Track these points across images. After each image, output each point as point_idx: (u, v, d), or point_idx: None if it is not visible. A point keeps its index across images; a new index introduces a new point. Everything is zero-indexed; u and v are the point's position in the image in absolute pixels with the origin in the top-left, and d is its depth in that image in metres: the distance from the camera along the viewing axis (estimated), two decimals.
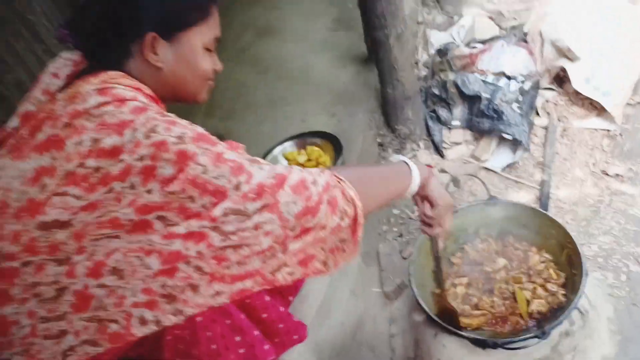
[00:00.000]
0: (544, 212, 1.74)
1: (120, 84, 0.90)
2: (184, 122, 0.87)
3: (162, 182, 0.81)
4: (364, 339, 1.85)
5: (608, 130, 2.33)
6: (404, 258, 2.01)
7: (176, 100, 1.06)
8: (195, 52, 1.01)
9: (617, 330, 1.66)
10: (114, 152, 0.81)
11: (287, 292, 1.46)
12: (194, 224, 0.84)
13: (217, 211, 0.83)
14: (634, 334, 1.64)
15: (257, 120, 2.76)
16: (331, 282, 1.77)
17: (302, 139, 2.37)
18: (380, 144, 2.50)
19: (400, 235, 2.14)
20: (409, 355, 1.72)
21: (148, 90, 0.96)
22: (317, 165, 2.26)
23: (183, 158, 0.81)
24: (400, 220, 2.20)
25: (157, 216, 0.83)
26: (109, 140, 0.82)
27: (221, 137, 2.63)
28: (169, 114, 0.89)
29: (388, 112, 2.47)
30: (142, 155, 0.81)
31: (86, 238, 0.83)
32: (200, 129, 0.88)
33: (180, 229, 0.84)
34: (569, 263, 1.60)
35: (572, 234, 1.60)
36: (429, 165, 1.23)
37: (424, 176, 1.15)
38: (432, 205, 1.21)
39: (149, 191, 0.82)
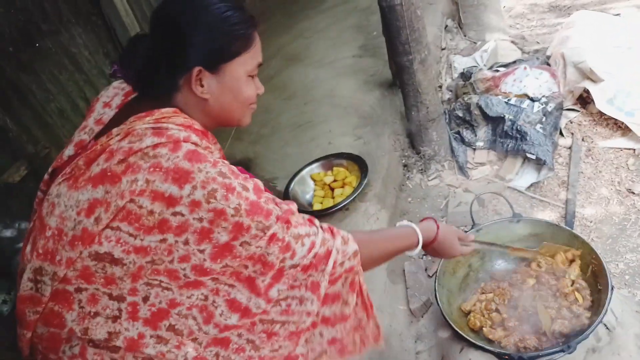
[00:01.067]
0: (568, 228, 1.76)
1: (173, 122, 0.94)
2: (236, 183, 0.91)
3: (215, 247, 0.89)
4: (391, 356, 1.87)
5: (633, 150, 2.34)
6: (430, 276, 2.05)
7: (221, 125, 1.10)
8: (239, 80, 1.03)
9: None
10: (170, 201, 0.86)
11: None
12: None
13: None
14: None
15: (284, 144, 2.86)
16: None
17: (329, 160, 2.46)
18: (405, 165, 2.56)
19: (426, 254, 2.17)
20: None
21: (198, 126, 0.99)
22: (343, 185, 2.34)
23: (239, 229, 0.89)
24: None
25: (211, 278, 0.92)
26: (165, 187, 0.86)
27: (250, 161, 2.73)
28: (221, 161, 0.93)
29: (413, 134, 2.54)
30: (201, 217, 0.87)
31: (141, 280, 0.89)
32: (252, 197, 0.92)
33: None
34: (595, 279, 1.61)
35: (597, 251, 1.62)
36: (431, 219, 1.33)
37: (428, 239, 1.29)
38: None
39: (201, 251, 0.89)
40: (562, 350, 1.40)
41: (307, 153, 2.69)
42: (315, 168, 2.45)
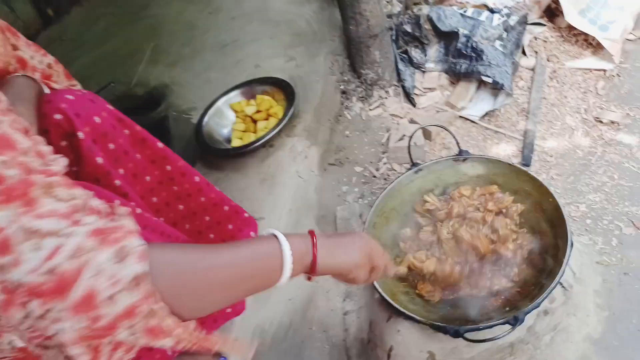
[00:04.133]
0: (523, 167, 1.45)
1: None
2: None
3: None
4: (316, 317, 1.61)
5: (604, 71, 2.02)
6: (364, 223, 1.74)
7: None
8: None
9: (604, 305, 1.41)
10: None
11: None
12: None
13: None
14: (624, 309, 1.40)
15: (206, 67, 2.42)
16: None
17: (251, 86, 2.06)
18: (344, 92, 2.18)
19: (362, 197, 1.86)
20: (362, 337, 1.48)
21: None
22: (267, 117, 1.96)
23: None
24: (362, 179, 1.92)
25: None
26: None
27: (166, 87, 2.30)
28: None
29: (352, 54, 2.14)
30: None
31: None
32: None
33: None
34: (553, 230, 1.33)
35: (557, 191, 1.32)
36: (310, 232, 0.81)
37: (305, 262, 0.79)
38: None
39: None
40: (508, 323, 1.14)
41: (231, 78, 2.27)
42: (234, 96, 2.05)
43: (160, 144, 1.15)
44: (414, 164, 1.51)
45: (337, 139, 2.07)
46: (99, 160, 1.00)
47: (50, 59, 1.16)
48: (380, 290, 1.25)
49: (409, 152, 1.50)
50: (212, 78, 2.35)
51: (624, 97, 1.92)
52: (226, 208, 1.34)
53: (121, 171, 1.06)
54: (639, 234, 1.54)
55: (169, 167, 1.17)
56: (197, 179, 1.24)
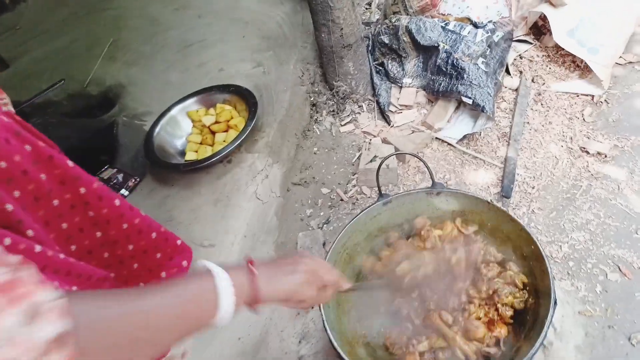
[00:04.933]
0: (502, 208, 1.29)
1: None
2: None
3: None
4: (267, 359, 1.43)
5: (592, 96, 1.88)
6: (325, 258, 1.57)
7: None
8: None
9: None
10: None
11: None
12: None
13: None
14: None
15: (167, 67, 2.23)
16: None
17: (211, 94, 1.87)
18: (314, 104, 2.00)
19: (327, 222, 1.69)
20: None
21: None
22: (227, 129, 1.77)
23: None
24: (329, 202, 1.75)
25: None
26: None
27: (122, 88, 2.09)
28: None
29: (324, 63, 1.96)
30: None
31: None
32: None
33: None
34: (533, 280, 1.18)
35: (538, 227, 1.17)
36: (248, 261, 0.75)
37: (245, 292, 0.72)
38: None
39: None
40: None
41: (192, 81, 2.08)
42: (192, 104, 1.86)
43: (70, 163, 0.96)
44: (381, 195, 1.34)
45: (304, 156, 1.89)
46: None
47: None
48: (333, 341, 1.08)
49: (377, 182, 1.32)
50: (172, 79, 2.15)
51: (612, 126, 1.79)
52: (154, 235, 1.16)
53: (16, 194, 0.87)
54: (625, 281, 1.40)
55: (82, 190, 0.98)
56: (117, 202, 1.05)
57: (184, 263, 1.28)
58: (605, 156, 1.70)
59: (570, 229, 1.55)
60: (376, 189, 1.74)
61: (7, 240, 0.77)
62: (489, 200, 1.26)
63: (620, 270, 1.42)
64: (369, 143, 1.83)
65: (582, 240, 1.51)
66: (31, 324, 0.43)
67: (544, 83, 1.96)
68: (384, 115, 1.92)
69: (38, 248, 0.82)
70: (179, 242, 1.26)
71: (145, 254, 1.17)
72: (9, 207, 0.83)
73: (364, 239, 1.35)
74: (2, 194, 0.83)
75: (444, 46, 1.81)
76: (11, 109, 1.13)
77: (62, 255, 0.87)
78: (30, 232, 0.85)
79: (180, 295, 0.64)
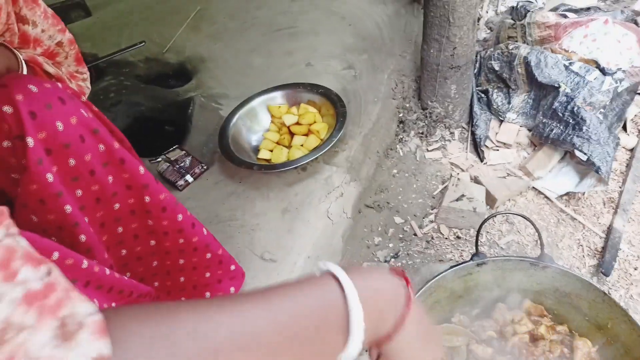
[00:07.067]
0: (610, 296, 1.11)
1: None
2: None
3: None
4: None
5: None
6: None
7: None
8: None
9: None
10: None
11: None
12: None
13: None
14: None
15: (251, 48, 2.09)
16: None
17: (297, 91, 1.72)
18: (401, 122, 1.84)
19: (396, 257, 1.54)
20: None
21: None
22: (308, 133, 1.63)
23: None
24: (400, 234, 1.60)
25: None
26: None
27: (201, 62, 1.98)
28: None
29: (423, 79, 1.79)
30: None
31: None
32: None
33: None
34: None
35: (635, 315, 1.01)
36: (402, 273, 0.54)
37: (385, 330, 0.50)
38: None
39: None
40: None
41: (275, 70, 1.95)
42: (275, 98, 1.72)
43: (142, 169, 0.87)
44: (477, 254, 1.18)
45: (382, 176, 1.74)
46: (49, 177, 0.74)
47: (66, 36, 0.96)
48: None
49: (477, 239, 1.16)
50: (254, 63, 2.02)
51: None
52: (208, 256, 1.10)
53: (79, 192, 0.79)
54: None
55: (147, 198, 0.90)
56: (180, 217, 0.98)
57: (232, 289, 1.20)
58: None
59: None
60: (455, 230, 1.58)
61: (56, 255, 0.71)
62: (606, 292, 1.08)
63: None
64: (457, 178, 1.65)
65: None
66: (63, 345, 0.32)
67: None
68: (477, 149, 1.74)
69: (85, 264, 0.74)
70: (232, 267, 1.17)
71: (194, 270, 1.11)
72: (68, 208, 0.78)
73: (446, 297, 1.20)
74: (65, 194, 0.77)
75: (564, 88, 1.61)
76: (88, 85, 1.07)
77: (107, 271, 0.79)
78: (82, 237, 0.79)
79: (293, 311, 0.45)
